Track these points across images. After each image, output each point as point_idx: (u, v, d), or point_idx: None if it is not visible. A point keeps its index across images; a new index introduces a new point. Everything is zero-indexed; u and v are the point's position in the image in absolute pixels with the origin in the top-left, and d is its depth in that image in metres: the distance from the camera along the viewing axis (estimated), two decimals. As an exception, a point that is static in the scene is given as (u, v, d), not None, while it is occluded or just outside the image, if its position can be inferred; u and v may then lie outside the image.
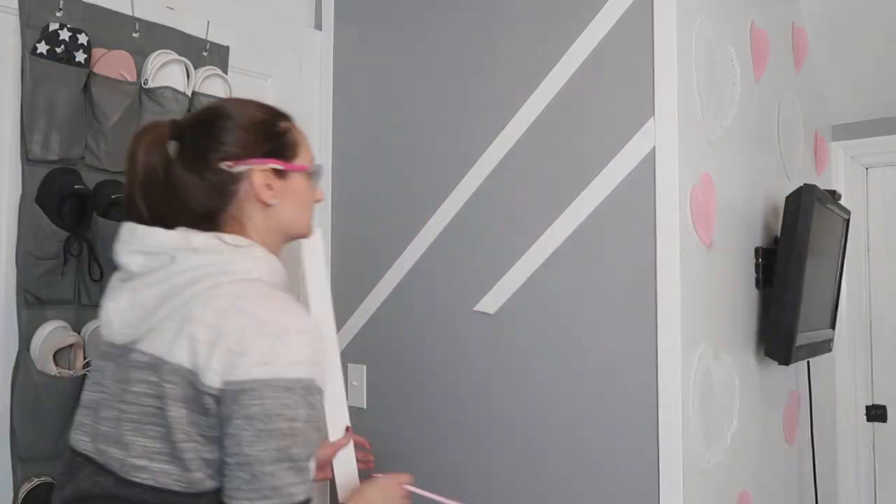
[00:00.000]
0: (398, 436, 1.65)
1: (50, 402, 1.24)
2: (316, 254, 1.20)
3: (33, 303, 1.27)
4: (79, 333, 1.32)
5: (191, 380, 0.86)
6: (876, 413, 2.27)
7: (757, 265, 1.63)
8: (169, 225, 0.95)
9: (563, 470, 1.40)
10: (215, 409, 0.86)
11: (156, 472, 0.86)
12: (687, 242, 1.31)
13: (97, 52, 1.31)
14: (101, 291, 1.00)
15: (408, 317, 1.65)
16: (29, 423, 1.24)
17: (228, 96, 1.51)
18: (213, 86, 1.48)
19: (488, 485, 1.50)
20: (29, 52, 1.23)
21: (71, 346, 1.30)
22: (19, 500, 1.23)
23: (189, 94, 1.43)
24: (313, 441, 0.90)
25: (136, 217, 0.97)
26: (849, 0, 1.92)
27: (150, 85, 1.37)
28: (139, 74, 1.37)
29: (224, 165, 0.97)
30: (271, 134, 1.02)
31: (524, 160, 1.47)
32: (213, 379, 0.85)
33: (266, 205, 1.00)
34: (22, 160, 1.26)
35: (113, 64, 1.32)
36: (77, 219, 1.30)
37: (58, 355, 1.28)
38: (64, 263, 1.28)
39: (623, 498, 1.32)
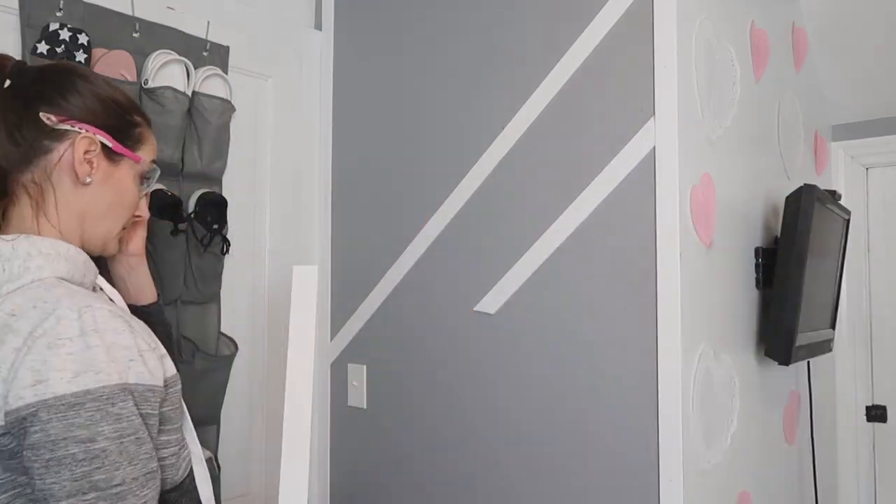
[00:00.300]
0: (398, 436, 1.65)
1: None
2: (308, 289, 1.11)
3: None
4: None
5: None
6: (876, 413, 2.28)
7: (757, 265, 1.63)
8: None
9: (563, 470, 1.40)
10: (16, 446, 0.75)
11: None
12: (687, 242, 1.31)
13: (97, 52, 1.31)
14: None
15: (408, 317, 1.65)
16: None
17: (229, 97, 1.51)
18: (213, 86, 1.48)
19: (489, 485, 1.50)
20: (29, 51, 1.22)
21: None
22: None
23: (189, 94, 1.43)
24: (135, 456, 0.77)
25: None
26: (849, 0, 1.92)
27: (151, 85, 1.37)
28: (139, 74, 1.37)
29: (45, 117, 0.85)
30: (121, 117, 0.93)
31: (524, 160, 1.48)
32: None
33: (80, 182, 0.88)
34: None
35: (113, 64, 1.32)
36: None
37: None
38: None
39: (623, 498, 1.32)
